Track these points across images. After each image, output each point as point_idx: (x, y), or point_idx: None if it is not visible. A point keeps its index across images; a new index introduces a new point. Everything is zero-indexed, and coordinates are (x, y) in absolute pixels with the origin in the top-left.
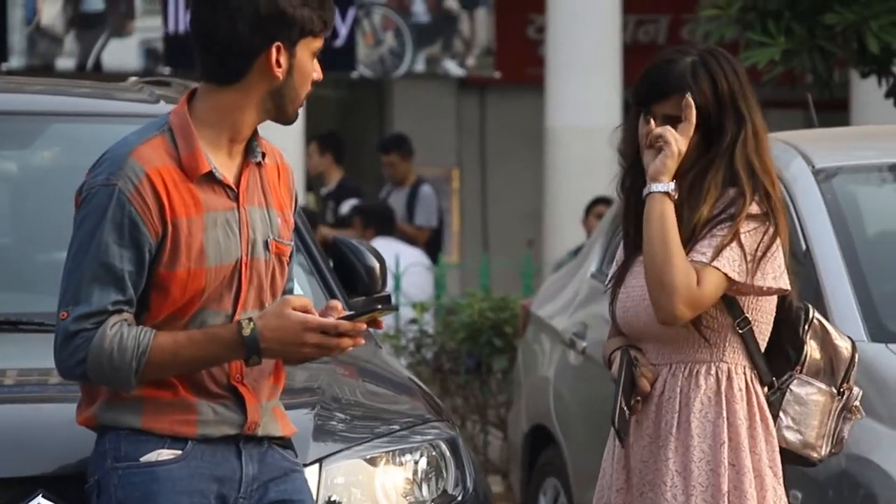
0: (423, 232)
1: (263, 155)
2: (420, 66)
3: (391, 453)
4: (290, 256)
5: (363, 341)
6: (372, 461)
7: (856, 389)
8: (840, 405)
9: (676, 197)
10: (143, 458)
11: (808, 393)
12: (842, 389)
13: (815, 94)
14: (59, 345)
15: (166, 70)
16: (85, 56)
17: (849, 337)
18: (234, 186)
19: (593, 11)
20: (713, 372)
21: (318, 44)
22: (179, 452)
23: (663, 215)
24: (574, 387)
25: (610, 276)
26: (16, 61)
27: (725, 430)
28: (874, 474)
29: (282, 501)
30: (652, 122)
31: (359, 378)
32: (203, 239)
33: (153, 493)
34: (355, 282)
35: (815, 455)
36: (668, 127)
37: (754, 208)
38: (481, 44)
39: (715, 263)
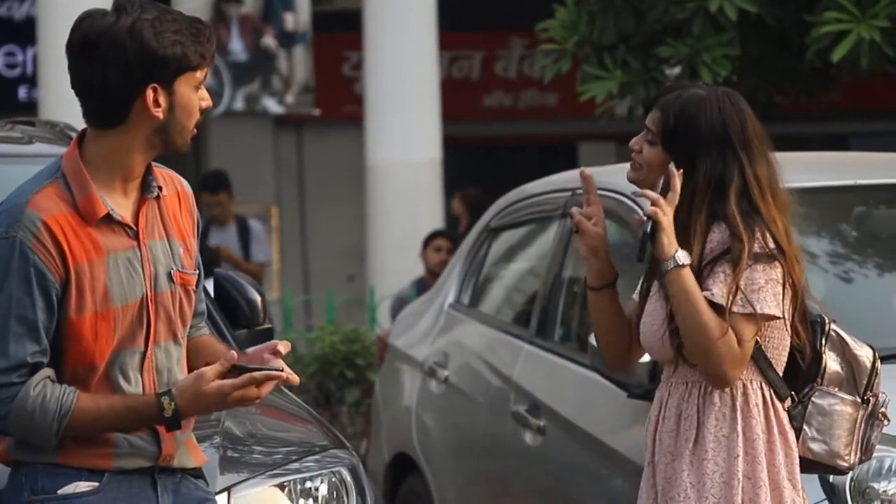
0: (262, 268)
1: (160, 188)
2: (239, 105)
3: (294, 481)
4: (199, 281)
5: (287, 378)
6: (275, 489)
7: (881, 396)
8: (866, 413)
9: (690, 262)
10: (61, 491)
11: (831, 404)
12: (866, 397)
13: (628, 125)
14: None
15: None
16: None
17: (869, 345)
18: (132, 225)
19: (409, 48)
20: (727, 390)
21: (199, 76)
22: (97, 484)
23: (686, 291)
24: (436, 415)
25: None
26: None
27: (741, 443)
28: None
29: None
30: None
31: (256, 409)
32: (106, 281)
33: None
34: (237, 315)
35: (844, 464)
36: (657, 208)
37: (757, 248)
38: (300, 81)
39: (740, 311)
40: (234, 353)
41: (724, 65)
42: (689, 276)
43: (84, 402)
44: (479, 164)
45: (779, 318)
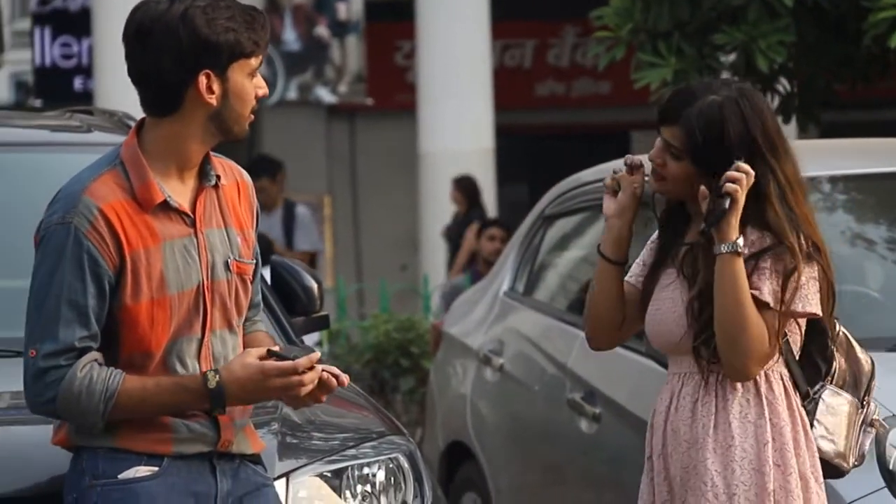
0: (306, 255)
1: (218, 177)
2: (292, 94)
3: (351, 467)
4: (255, 273)
5: (336, 379)
6: (334, 475)
7: (873, 404)
8: (861, 418)
9: (746, 251)
10: (121, 476)
11: (839, 403)
12: (864, 402)
13: None
14: (30, 382)
15: (37, 102)
16: None
17: (865, 350)
18: (190, 212)
19: (462, 37)
20: None
21: (253, 63)
22: (156, 469)
23: (735, 276)
24: (491, 402)
25: (633, 271)
26: None
27: (769, 430)
28: None
29: None
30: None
31: None
32: (162, 268)
33: None
34: (294, 302)
35: (846, 465)
36: (735, 186)
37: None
38: (352, 71)
39: (785, 308)
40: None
41: (779, 51)
42: (741, 266)
43: (130, 383)
44: (531, 153)
45: (820, 315)
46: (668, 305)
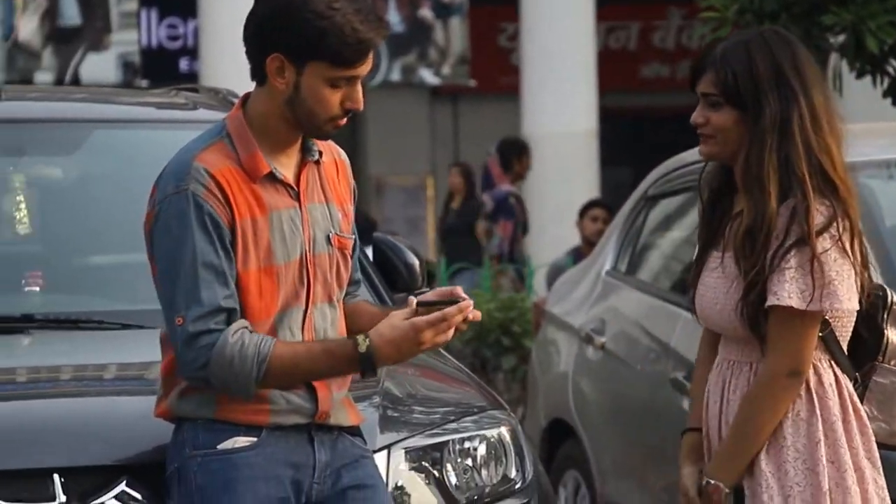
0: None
1: (320, 153)
2: (395, 76)
3: (452, 440)
4: (354, 248)
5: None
6: (434, 448)
7: None
8: None
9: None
10: (221, 446)
11: (892, 382)
12: None
13: None
14: (182, 349)
15: (143, 83)
16: (63, 70)
17: None
18: (294, 185)
19: (566, 19)
20: None
21: (338, 73)
22: (255, 440)
23: (775, 413)
24: (593, 381)
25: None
26: None
27: (820, 427)
28: None
29: (355, 487)
30: (698, 109)
31: (415, 370)
32: (269, 237)
33: (232, 479)
34: (396, 278)
35: None
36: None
37: (820, 217)
38: (456, 52)
39: (815, 308)
40: (411, 298)
41: (889, 32)
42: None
43: (281, 348)
44: (635, 135)
45: (857, 308)
46: (710, 293)
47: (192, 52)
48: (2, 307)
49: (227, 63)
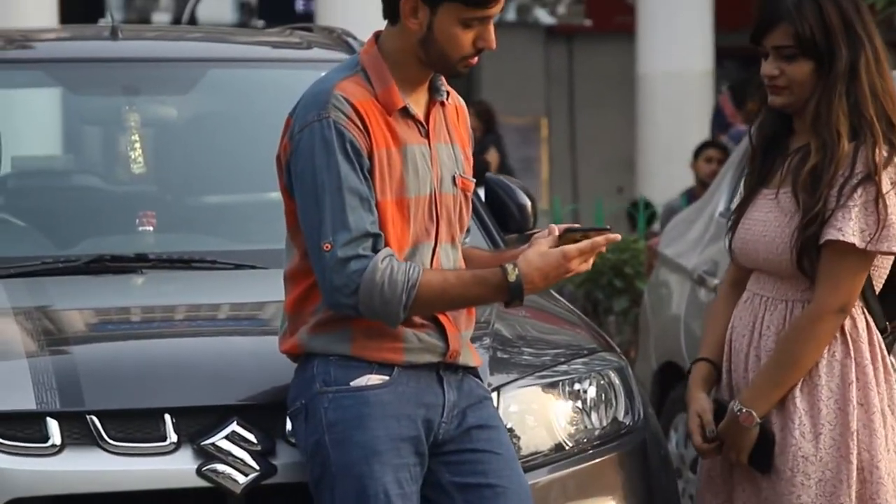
0: None
1: (448, 93)
2: (511, 15)
3: (562, 382)
4: (472, 192)
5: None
6: (544, 390)
7: None
8: None
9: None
10: (353, 383)
11: None
12: None
13: None
14: (330, 275)
15: (259, 23)
16: (180, 10)
17: None
18: (423, 123)
19: None
20: None
21: (471, 13)
22: (387, 378)
23: (819, 348)
24: None
25: (733, 207)
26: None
27: (853, 369)
28: None
29: (479, 427)
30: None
31: (525, 311)
32: (402, 170)
33: (364, 415)
34: (507, 219)
35: None
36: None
37: (885, 157)
38: None
39: (873, 248)
40: (558, 226)
41: None
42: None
43: (430, 275)
44: (751, 75)
45: None
46: (759, 227)
47: None
48: (116, 247)
49: (342, 3)
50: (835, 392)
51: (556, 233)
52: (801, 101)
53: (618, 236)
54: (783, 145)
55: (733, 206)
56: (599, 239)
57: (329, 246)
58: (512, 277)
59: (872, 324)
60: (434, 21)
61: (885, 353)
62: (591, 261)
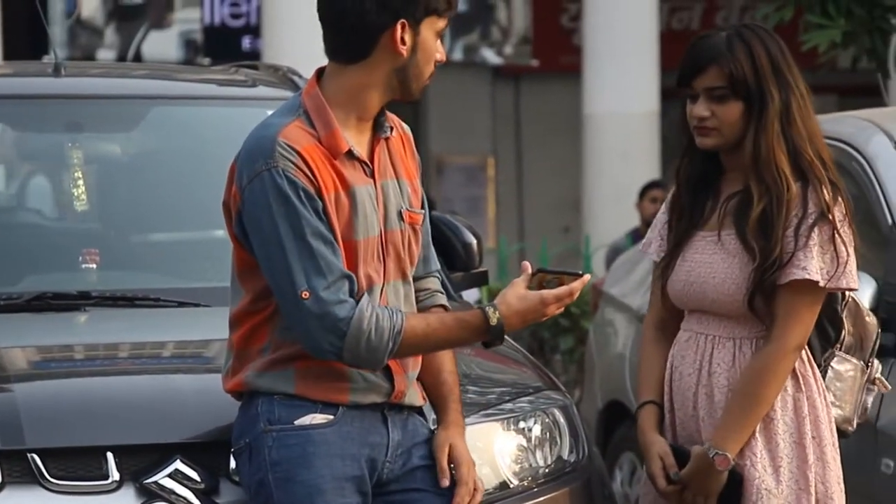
0: None
1: (391, 128)
2: (458, 55)
3: (507, 420)
4: (424, 221)
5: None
6: (489, 428)
7: (876, 362)
8: (865, 379)
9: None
10: (298, 422)
11: (847, 370)
12: (868, 363)
13: (850, 76)
14: (314, 322)
15: (205, 61)
16: (125, 47)
17: (872, 311)
18: (368, 162)
19: None
20: None
21: (441, 24)
22: (332, 417)
23: (780, 384)
24: None
25: (655, 250)
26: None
27: (805, 403)
28: None
29: (424, 466)
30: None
31: (471, 350)
32: (350, 213)
33: (309, 454)
34: (453, 258)
35: (851, 428)
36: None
37: (829, 196)
38: (518, 32)
39: (832, 285)
40: (526, 263)
41: None
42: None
43: (414, 321)
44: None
45: (857, 289)
46: (704, 269)
47: (255, 31)
48: (58, 284)
49: (289, 40)
50: (790, 426)
51: (528, 271)
52: (730, 143)
53: (587, 276)
54: (713, 187)
55: (655, 248)
56: (576, 284)
57: (307, 294)
58: (493, 321)
59: (813, 360)
60: (418, 41)
61: (824, 387)
62: (565, 305)
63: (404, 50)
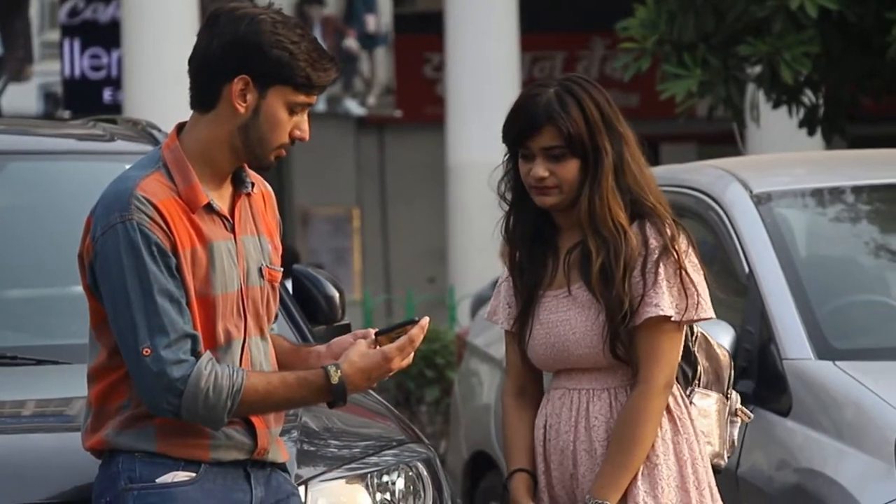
0: None
1: (253, 184)
2: (321, 106)
3: (370, 474)
4: (282, 280)
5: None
6: (352, 482)
7: (734, 394)
8: (727, 411)
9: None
10: (159, 480)
11: (709, 405)
12: (727, 395)
13: (708, 125)
14: (152, 380)
15: (66, 113)
16: None
17: (719, 344)
18: (229, 217)
19: (490, 49)
20: None
21: (298, 98)
22: (194, 475)
23: (655, 426)
24: None
25: (504, 318)
26: None
27: (684, 446)
28: (825, 486)
29: None
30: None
31: None
32: (208, 268)
33: None
34: (316, 311)
35: (723, 462)
36: None
37: (670, 231)
38: (381, 83)
39: (687, 318)
40: (370, 330)
41: (804, 63)
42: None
43: (254, 378)
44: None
45: (713, 318)
46: (562, 328)
47: (116, 83)
48: None
49: (150, 92)
50: (672, 470)
51: (372, 336)
52: (569, 200)
53: (427, 319)
54: (549, 242)
55: (504, 316)
56: (415, 331)
57: (149, 351)
58: (335, 380)
59: (685, 395)
60: (262, 104)
61: (697, 424)
62: (411, 355)
63: (243, 108)
